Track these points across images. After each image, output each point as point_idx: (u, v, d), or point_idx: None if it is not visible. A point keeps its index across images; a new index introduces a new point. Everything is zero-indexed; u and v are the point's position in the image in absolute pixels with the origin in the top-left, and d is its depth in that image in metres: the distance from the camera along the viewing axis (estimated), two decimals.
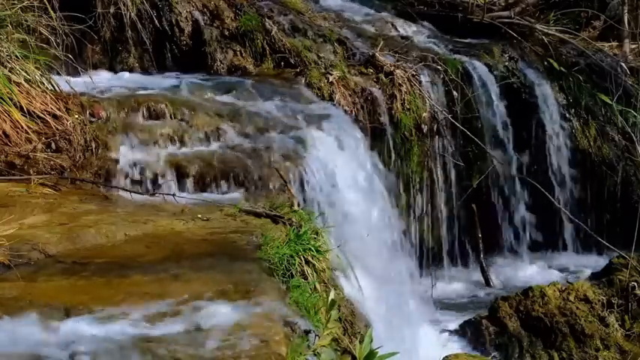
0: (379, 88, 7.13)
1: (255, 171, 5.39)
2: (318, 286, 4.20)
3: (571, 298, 6.19)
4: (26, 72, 5.43)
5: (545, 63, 8.16)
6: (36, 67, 5.54)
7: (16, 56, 5.46)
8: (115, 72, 6.91)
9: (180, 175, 5.36)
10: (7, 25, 5.61)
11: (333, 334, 3.32)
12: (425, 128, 7.28)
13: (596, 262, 7.38)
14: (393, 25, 8.29)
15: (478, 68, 7.76)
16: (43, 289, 3.38)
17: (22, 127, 5.17)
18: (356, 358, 2.96)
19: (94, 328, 2.93)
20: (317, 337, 3.17)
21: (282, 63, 7.17)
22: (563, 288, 6.28)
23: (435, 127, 7.35)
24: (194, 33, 7.17)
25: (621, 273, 6.26)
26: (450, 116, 7.37)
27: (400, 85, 7.14)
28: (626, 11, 8.57)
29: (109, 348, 2.78)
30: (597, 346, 6.02)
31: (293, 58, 7.15)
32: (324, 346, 3.15)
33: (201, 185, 5.35)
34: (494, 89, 7.76)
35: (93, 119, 5.57)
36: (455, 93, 7.50)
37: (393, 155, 7.12)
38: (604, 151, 8.03)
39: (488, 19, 8.29)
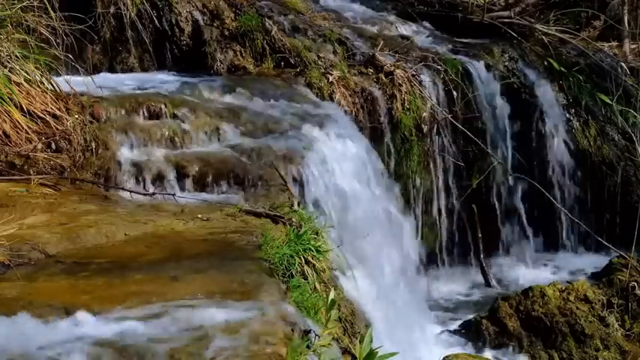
0: (379, 88, 7.13)
1: (255, 171, 5.38)
2: (318, 286, 4.20)
3: (571, 298, 6.19)
4: (26, 72, 5.43)
5: (545, 63, 8.16)
6: (36, 67, 5.54)
7: (16, 56, 5.46)
8: (115, 72, 6.91)
9: (180, 175, 5.36)
10: (7, 25, 5.61)
11: (333, 334, 3.32)
12: (425, 128, 7.28)
13: (596, 262, 7.39)
14: (393, 25, 8.29)
15: (478, 68, 7.76)
16: (43, 289, 3.38)
17: (22, 127, 5.17)
18: (356, 358, 2.95)
19: (94, 328, 2.94)
20: (317, 337, 3.17)
21: (282, 63, 7.17)
22: (563, 288, 6.29)
23: (435, 127, 7.35)
24: (194, 33, 7.17)
25: (621, 273, 6.26)
26: (450, 116, 7.37)
27: (400, 85, 7.14)
28: (626, 11, 8.57)
29: (108, 348, 2.78)
30: (597, 346, 6.02)
31: (293, 58, 7.15)
32: (324, 346, 3.15)
33: (201, 185, 5.34)
34: (494, 89, 7.76)
35: (93, 119, 5.57)
36: (455, 93, 7.50)
37: (393, 155, 7.12)
38: (604, 151, 8.03)
39: (488, 19, 8.29)
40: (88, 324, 2.97)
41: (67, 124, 5.32)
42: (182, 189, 5.27)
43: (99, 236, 4.08)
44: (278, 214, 4.53)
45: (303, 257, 4.16)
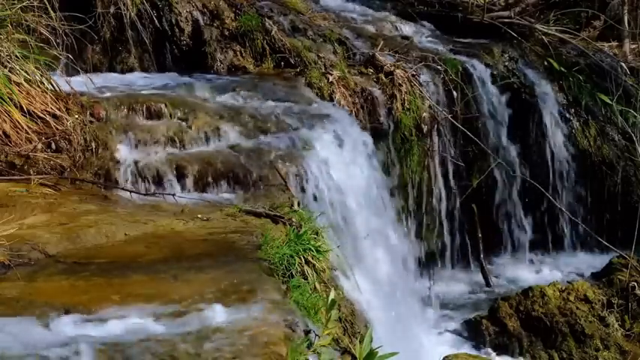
0: (379, 88, 7.13)
1: (255, 171, 5.38)
2: (318, 286, 4.20)
3: (571, 298, 6.20)
4: (26, 72, 5.43)
5: (545, 63, 8.16)
6: (36, 67, 5.54)
7: (16, 56, 5.46)
8: (115, 72, 6.91)
9: (180, 175, 5.35)
10: (7, 25, 5.61)
11: (333, 334, 3.32)
12: (425, 128, 7.28)
13: (596, 262, 7.39)
14: (393, 25, 8.29)
15: (478, 68, 7.76)
16: (43, 289, 3.38)
17: (22, 127, 5.17)
18: (356, 358, 2.95)
19: (94, 329, 2.94)
20: (317, 337, 3.17)
21: (282, 63, 7.17)
22: (563, 288, 6.29)
23: (435, 127, 7.35)
24: (194, 33, 7.17)
25: (621, 273, 6.27)
26: (450, 116, 7.37)
27: (400, 85, 7.14)
28: (626, 11, 8.57)
29: (108, 348, 2.78)
30: (597, 346, 6.02)
31: (293, 58, 7.15)
32: (324, 346, 3.15)
33: (201, 185, 5.34)
34: (494, 89, 7.76)
35: (93, 119, 5.57)
36: (455, 93, 7.50)
37: (393, 155, 7.12)
38: (604, 151, 8.03)
39: (488, 19, 8.29)
40: (87, 324, 2.97)
41: (67, 124, 5.32)
42: (182, 189, 5.27)
43: (99, 236, 4.08)
44: (278, 214, 4.53)
45: (303, 257, 4.16)
